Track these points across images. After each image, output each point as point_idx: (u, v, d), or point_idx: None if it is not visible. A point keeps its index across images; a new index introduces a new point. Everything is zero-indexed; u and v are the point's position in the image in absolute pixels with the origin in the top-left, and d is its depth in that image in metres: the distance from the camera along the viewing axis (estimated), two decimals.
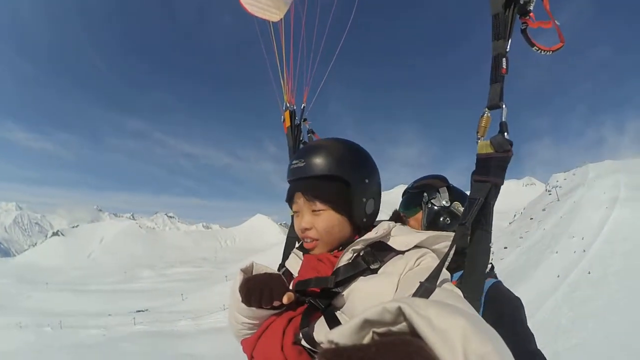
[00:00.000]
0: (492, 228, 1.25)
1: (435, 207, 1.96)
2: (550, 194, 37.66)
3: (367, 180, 1.29)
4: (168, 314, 57.73)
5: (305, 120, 2.05)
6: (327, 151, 1.28)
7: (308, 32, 2.00)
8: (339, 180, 1.25)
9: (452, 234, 1.21)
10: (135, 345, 27.50)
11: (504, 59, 1.18)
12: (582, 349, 8.34)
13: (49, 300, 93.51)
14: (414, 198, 2.04)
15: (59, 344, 27.65)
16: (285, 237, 1.77)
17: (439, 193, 1.97)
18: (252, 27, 2.13)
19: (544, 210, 32.30)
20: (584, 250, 17.46)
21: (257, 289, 1.14)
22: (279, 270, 1.53)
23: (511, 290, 1.70)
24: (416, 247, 1.21)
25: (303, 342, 1.10)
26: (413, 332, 0.50)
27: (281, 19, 2.06)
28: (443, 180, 2.04)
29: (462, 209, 1.86)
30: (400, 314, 0.53)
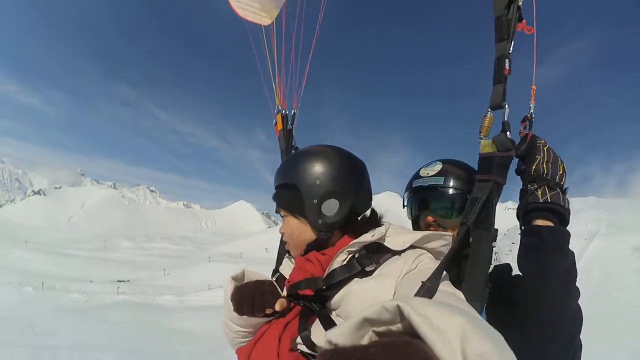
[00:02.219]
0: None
1: None
2: None
3: (318, 182, 1.25)
4: (150, 287, 57.99)
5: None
6: (285, 162, 1.36)
7: (299, 36, 1.99)
8: (290, 186, 1.28)
9: (449, 233, 1.23)
10: (120, 314, 26.75)
11: (507, 60, 1.22)
12: None
13: (29, 260, 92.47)
14: (457, 200, 1.55)
15: (42, 305, 26.71)
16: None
17: None
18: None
19: None
20: None
21: (249, 297, 1.16)
22: (273, 275, 1.55)
23: None
24: (412, 247, 1.20)
25: (300, 347, 1.07)
26: (412, 331, 0.49)
27: (273, 23, 2.05)
28: (472, 169, 1.59)
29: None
30: (398, 313, 0.53)
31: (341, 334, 0.54)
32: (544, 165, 1.29)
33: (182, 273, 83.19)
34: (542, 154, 1.29)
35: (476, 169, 1.32)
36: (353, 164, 1.34)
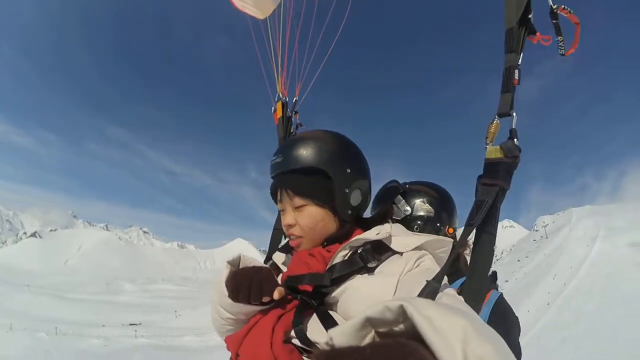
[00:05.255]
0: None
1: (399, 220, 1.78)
2: (537, 231, 42.45)
3: (349, 170, 1.23)
4: (165, 329, 56.83)
5: (296, 112, 2.03)
6: (304, 143, 1.24)
7: (305, 25, 1.97)
8: (318, 172, 1.21)
9: (450, 239, 1.26)
10: (145, 358, 26.94)
11: (516, 71, 1.24)
12: (578, 339, 12.68)
13: (34, 304, 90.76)
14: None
15: (61, 351, 26.24)
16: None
17: (396, 204, 1.86)
18: (248, 48, 2.02)
19: (535, 241, 37.75)
20: (574, 274, 22.78)
21: (246, 283, 1.09)
22: (265, 262, 1.50)
23: (517, 303, 2.31)
24: (414, 248, 1.20)
25: (294, 341, 1.05)
26: (414, 332, 0.49)
27: (275, 12, 2.04)
28: (394, 187, 1.91)
29: (427, 205, 1.86)
30: (401, 313, 0.52)
31: (343, 334, 0.53)
32: None
33: (194, 314, 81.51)
34: None
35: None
36: (365, 158, 1.36)
